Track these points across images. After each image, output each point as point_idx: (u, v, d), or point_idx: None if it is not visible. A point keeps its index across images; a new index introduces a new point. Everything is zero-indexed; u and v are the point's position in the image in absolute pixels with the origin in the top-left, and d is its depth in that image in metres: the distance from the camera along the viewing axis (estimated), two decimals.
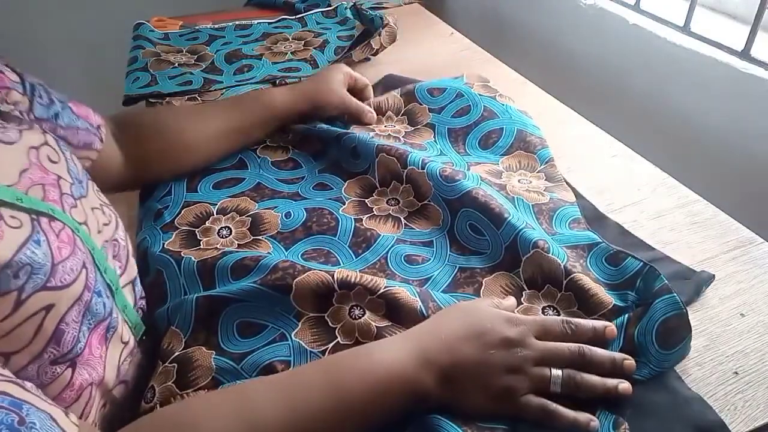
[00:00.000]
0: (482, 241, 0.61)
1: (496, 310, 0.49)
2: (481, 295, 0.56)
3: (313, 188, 0.71)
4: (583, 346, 0.47)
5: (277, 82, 0.94)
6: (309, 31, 1.12)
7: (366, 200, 0.68)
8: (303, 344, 0.50)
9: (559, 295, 0.55)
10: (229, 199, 0.69)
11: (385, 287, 0.53)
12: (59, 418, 0.34)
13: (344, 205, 0.67)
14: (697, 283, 0.55)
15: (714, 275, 0.56)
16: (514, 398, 0.44)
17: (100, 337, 0.45)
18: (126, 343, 0.49)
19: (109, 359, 0.46)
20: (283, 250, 0.61)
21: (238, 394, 0.43)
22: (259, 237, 0.63)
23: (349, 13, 1.15)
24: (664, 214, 0.66)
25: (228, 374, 0.48)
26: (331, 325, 0.52)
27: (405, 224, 0.65)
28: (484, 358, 0.45)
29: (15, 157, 0.43)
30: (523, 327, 0.47)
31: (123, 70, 0.99)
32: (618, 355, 0.47)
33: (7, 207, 0.39)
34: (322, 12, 1.18)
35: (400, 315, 0.52)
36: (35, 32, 1.62)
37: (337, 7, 1.18)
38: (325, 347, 0.50)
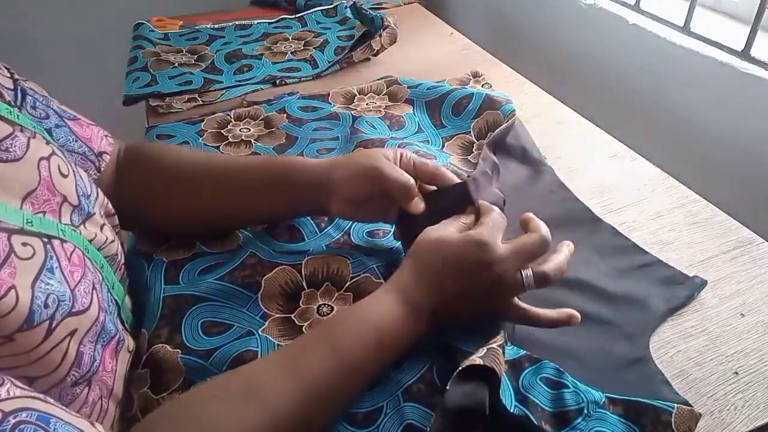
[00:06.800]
0: None
1: (461, 235, 0.48)
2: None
3: None
4: (542, 233, 0.49)
5: (277, 82, 0.94)
6: (309, 30, 1.12)
7: None
8: (270, 338, 0.51)
9: None
10: None
11: (351, 279, 0.55)
12: (87, 429, 0.33)
13: None
14: (690, 288, 0.56)
15: (706, 281, 0.56)
16: (506, 314, 0.48)
17: (111, 352, 0.45)
18: (131, 352, 0.49)
19: (118, 371, 0.46)
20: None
21: (246, 375, 0.43)
22: None
23: (348, 13, 1.15)
24: (664, 214, 0.66)
25: (198, 373, 0.48)
26: (298, 323, 0.53)
27: None
28: (467, 287, 0.46)
29: (24, 175, 0.41)
30: (490, 241, 0.47)
31: (123, 70, 0.99)
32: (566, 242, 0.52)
33: (18, 234, 0.37)
34: (322, 11, 1.18)
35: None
36: (35, 32, 1.61)
37: (336, 5, 1.18)
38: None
